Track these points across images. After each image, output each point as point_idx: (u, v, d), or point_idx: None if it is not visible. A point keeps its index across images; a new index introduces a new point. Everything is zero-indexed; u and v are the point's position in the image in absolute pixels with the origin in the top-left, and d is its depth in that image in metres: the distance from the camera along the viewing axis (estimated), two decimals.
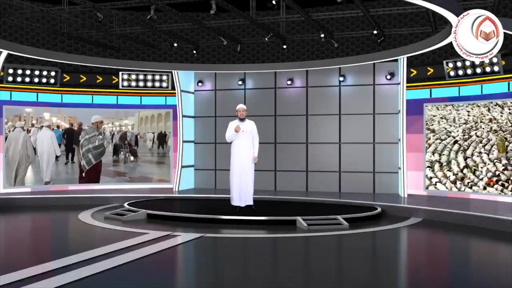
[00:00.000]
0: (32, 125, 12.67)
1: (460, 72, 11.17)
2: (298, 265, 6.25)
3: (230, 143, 9.62)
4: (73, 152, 13.08)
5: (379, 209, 9.69)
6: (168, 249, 6.81)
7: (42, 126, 12.76)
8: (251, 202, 9.51)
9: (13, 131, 12.39)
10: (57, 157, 12.85)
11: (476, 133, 11.01)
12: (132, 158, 13.64)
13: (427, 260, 6.68)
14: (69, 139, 13.03)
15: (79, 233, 8.57)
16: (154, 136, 13.68)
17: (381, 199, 11.08)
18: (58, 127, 12.97)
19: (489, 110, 10.81)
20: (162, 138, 13.66)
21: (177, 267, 6.36)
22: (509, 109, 10.51)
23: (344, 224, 8.47)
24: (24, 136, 12.50)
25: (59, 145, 12.94)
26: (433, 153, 11.57)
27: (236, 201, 9.48)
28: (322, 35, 13.02)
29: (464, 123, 11.18)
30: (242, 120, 9.48)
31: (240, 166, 9.43)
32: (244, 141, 9.44)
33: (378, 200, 10.85)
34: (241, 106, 9.58)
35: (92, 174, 13.15)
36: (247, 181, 9.44)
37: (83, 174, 13.03)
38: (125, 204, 10.15)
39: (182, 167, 13.40)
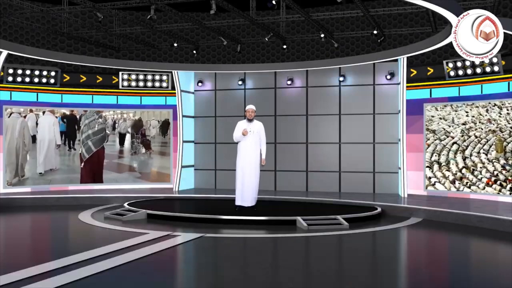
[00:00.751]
0: (31, 111, 12.46)
1: (460, 72, 11.17)
2: (298, 265, 6.24)
3: (235, 143, 9.64)
4: (74, 139, 12.87)
5: (379, 209, 9.69)
6: (168, 249, 6.81)
7: (44, 112, 12.52)
8: (253, 203, 9.49)
9: (9, 117, 12.13)
10: (58, 145, 12.52)
11: (474, 134, 11.03)
12: (143, 150, 13.36)
13: (427, 260, 6.67)
14: (71, 125, 12.82)
15: (79, 233, 8.57)
16: (158, 124, 13.57)
17: (381, 199, 11.08)
18: (64, 113, 12.72)
19: (487, 111, 10.82)
20: (166, 126, 13.59)
21: (177, 267, 6.36)
22: (507, 110, 10.52)
23: (344, 224, 8.47)
24: (21, 122, 12.15)
25: (63, 132, 12.49)
26: (432, 153, 11.59)
27: (239, 201, 9.48)
28: (322, 35, 13.02)
29: (463, 124, 11.19)
30: (250, 120, 9.51)
31: (245, 166, 9.42)
32: (250, 141, 9.44)
33: (378, 200, 10.85)
34: (250, 107, 9.63)
35: (92, 165, 12.84)
36: (252, 181, 9.43)
37: (82, 165, 12.74)
38: (125, 204, 10.15)
39: (182, 167, 13.40)
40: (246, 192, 9.42)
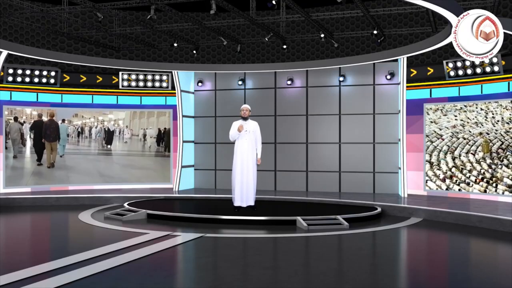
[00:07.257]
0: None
1: (460, 72, 11.18)
2: (298, 265, 6.24)
3: (233, 143, 9.64)
4: (42, 150, 12.47)
5: (379, 209, 9.69)
6: (168, 249, 6.81)
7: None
8: (252, 203, 9.50)
9: None
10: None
11: (463, 136, 11.19)
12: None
13: (427, 260, 6.67)
14: (37, 133, 12.46)
15: (79, 233, 8.56)
16: (153, 133, 13.52)
17: (381, 199, 11.08)
18: (67, 120, 12.31)
19: (476, 117, 11.03)
20: (160, 135, 13.60)
21: (177, 267, 6.36)
22: (492, 114, 10.75)
23: (344, 224, 8.47)
24: None
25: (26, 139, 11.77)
26: (424, 154, 11.73)
27: (238, 201, 9.47)
28: (322, 35, 13.02)
29: (453, 127, 11.33)
30: (245, 119, 9.51)
31: (242, 166, 9.42)
32: (246, 141, 9.45)
33: (378, 200, 10.85)
34: (245, 106, 9.69)
35: None
36: (249, 181, 9.43)
37: None
38: (125, 204, 10.15)
39: (182, 167, 13.40)
40: (246, 192, 9.42)
